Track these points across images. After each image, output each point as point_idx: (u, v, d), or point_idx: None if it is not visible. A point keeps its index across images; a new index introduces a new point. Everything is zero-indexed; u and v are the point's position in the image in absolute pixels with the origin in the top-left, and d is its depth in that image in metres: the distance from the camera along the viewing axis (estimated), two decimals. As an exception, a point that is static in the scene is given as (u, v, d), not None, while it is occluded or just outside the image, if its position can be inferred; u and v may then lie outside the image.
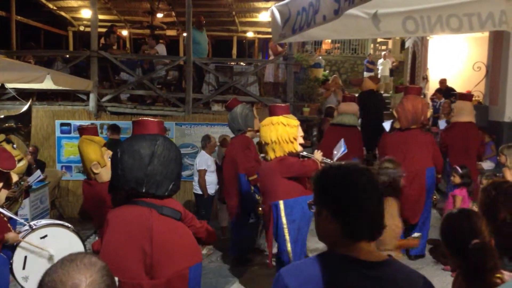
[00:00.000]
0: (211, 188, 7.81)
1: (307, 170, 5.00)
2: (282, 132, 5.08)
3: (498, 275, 2.35)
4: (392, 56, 20.04)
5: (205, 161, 7.74)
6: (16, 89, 9.54)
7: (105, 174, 4.82)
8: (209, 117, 10.18)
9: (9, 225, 4.48)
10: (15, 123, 7.76)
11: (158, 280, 3.17)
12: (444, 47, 14.38)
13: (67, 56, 11.83)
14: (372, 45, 22.79)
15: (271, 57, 11.60)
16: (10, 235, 4.32)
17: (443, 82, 13.18)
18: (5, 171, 3.96)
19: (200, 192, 7.77)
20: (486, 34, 11.19)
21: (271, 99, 10.58)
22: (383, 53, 20.30)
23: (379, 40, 22.64)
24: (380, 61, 19.84)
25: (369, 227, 1.80)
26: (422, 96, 7.76)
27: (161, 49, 11.49)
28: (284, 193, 5.08)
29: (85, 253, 1.55)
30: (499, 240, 2.86)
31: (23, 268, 4.48)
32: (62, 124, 10.01)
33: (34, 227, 4.62)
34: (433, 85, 14.14)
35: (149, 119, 3.56)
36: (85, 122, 9.96)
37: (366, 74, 20.25)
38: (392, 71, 19.63)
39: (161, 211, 3.24)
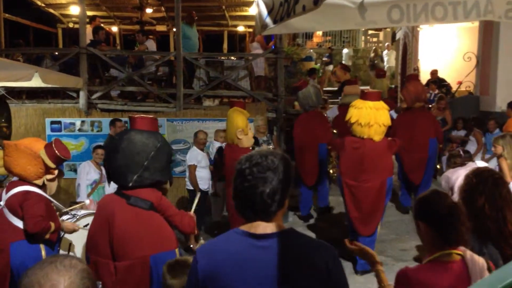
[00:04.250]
0: (204, 184, 7.75)
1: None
2: (388, 117, 6.10)
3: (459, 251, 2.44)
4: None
5: (194, 157, 7.69)
6: (5, 88, 9.44)
7: (245, 141, 6.30)
8: (201, 113, 10.12)
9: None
10: None
11: (120, 263, 3.47)
12: (435, 38, 14.37)
13: (56, 53, 11.73)
14: (363, 37, 22.76)
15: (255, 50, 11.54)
16: (69, 225, 4.61)
17: (434, 73, 13.19)
18: (63, 158, 4.35)
19: (192, 188, 7.73)
20: (476, 24, 11.20)
21: (262, 93, 10.55)
22: (386, 44, 20.30)
23: (370, 32, 22.61)
24: (385, 52, 19.89)
25: (252, 210, 1.99)
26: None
27: (151, 44, 11.42)
28: (391, 171, 6.26)
29: (66, 255, 1.54)
30: (476, 226, 2.92)
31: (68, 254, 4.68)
32: (52, 122, 9.93)
33: (77, 216, 4.97)
34: (424, 76, 14.14)
35: (137, 115, 3.88)
36: (76, 120, 9.93)
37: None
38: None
39: (128, 200, 3.53)
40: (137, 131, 3.65)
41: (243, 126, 6.25)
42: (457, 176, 5.25)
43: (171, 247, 3.59)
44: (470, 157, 5.94)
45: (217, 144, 8.05)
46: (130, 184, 3.54)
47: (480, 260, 2.39)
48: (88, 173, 7.36)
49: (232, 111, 6.42)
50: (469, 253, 2.42)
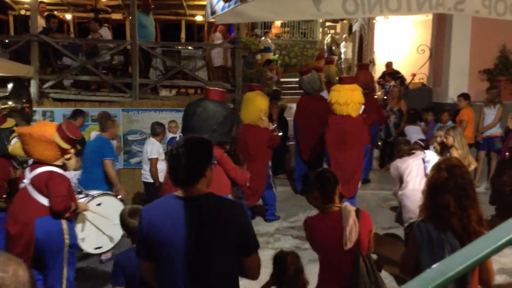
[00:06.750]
0: (162, 176, 7.61)
1: None
2: (361, 96, 7.13)
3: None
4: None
5: (156, 149, 7.53)
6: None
7: (266, 122, 7.08)
8: (157, 103, 9.95)
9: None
10: (15, 103, 7.68)
11: None
12: (390, 31, 14.62)
13: (7, 41, 11.29)
14: (320, 29, 22.94)
15: (217, 41, 11.45)
16: (83, 206, 5.00)
17: (389, 65, 13.41)
18: (76, 139, 4.67)
19: (150, 181, 7.58)
20: (430, 17, 11.44)
21: (220, 84, 10.47)
22: (343, 36, 20.54)
23: (327, 24, 22.80)
24: (342, 44, 20.14)
25: (179, 179, 2.67)
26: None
27: (105, 32, 11.13)
28: (367, 140, 7.32)
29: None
30: (437, 217, 2.98)
31: (82, 230, 5.13)
32: (2, 112, 9.56)
33: (90, 196, 5.36)
34: (380, 68, 14.38)
35: (211, 87, 4.99)
36: (27, 110, 9.58)
37: None
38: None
39: None
40: (210, 101, 4.50)
41: (266, 108, 7.07)
42: (407, 165, 5.59)
43: (225, 193, 4.33)
44: (424, 147, 6.10)
45: (170, 135, 7.96)
46: None
47: (351, 207, 3.38)
48: None
49: (255, 94, 7.11)
50: (345, 204, 3.44)
